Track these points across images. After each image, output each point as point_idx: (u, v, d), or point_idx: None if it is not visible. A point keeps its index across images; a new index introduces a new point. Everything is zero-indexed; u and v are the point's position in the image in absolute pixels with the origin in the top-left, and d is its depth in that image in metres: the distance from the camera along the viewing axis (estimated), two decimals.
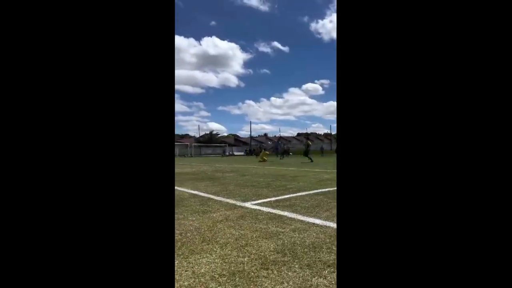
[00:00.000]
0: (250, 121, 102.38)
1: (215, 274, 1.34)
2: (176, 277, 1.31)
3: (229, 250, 1.65)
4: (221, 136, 50.57)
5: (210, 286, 1.23)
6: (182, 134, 60.92)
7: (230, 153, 35.65)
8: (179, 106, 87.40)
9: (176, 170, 8.66)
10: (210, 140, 44.78)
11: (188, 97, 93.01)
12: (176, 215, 2.55)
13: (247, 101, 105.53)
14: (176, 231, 2.04)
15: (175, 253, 1.60)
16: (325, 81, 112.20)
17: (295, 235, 1.91)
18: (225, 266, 1.43)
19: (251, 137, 42.82)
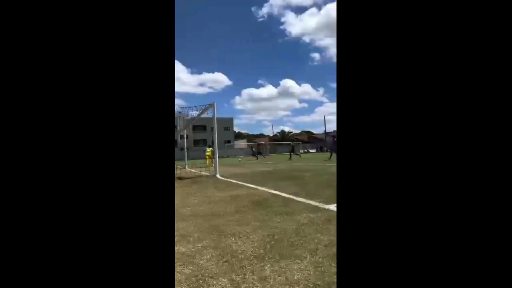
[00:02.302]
0: (324, 116, 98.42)
1: (309, 283, 1.30)
2: (271, 281, 1.33)
3: (319, 258, 1.58)
4: (293, 134, 50.45)
5: None
6: (256, 134, 63.89)
7: (305, 150, 34.97)
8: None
9: (259, 169, 9.06)
10: (282, 138, 45.33)
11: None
12: (261, 216, 2.65)
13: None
14: (264, 232, 2.10)
15: (266, 256, 1.64)
16: None
17: None
18: (318, 275, 1.38)
19: (326, 133, 41.12)
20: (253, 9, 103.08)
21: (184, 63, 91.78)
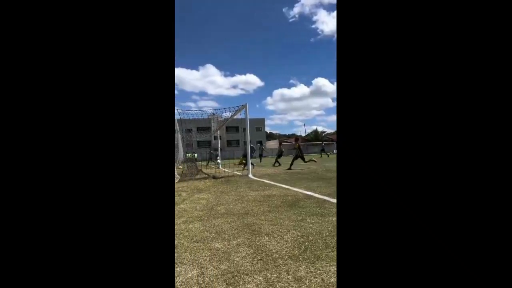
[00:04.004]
0: None
1: None
2: (306, 282, 1.31)
3: None
4: (327, 134, 48.93)
5: None
6: (288, 134, 63.34)
7: None
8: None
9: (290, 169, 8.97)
10: (315, 138, 44.32)
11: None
12: (295, 216, 2.62)
13: None
14: (298, 233, 2.08)
15: (301, 256, 1.62)
16: None
17: None
18: None
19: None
20: (284, 10, 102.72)
21: (217, 66, 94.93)
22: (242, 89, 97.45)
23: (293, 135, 60.72)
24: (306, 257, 1.62)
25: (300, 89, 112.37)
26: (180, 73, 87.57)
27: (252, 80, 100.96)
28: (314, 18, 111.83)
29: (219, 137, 14.38)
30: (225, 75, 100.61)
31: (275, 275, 1.40)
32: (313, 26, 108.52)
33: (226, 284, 1.34)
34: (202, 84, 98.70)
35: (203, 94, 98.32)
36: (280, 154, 11.53)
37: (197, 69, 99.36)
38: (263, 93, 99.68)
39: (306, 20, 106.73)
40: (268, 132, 52.42)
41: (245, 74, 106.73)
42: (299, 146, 9.40)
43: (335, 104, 0.76)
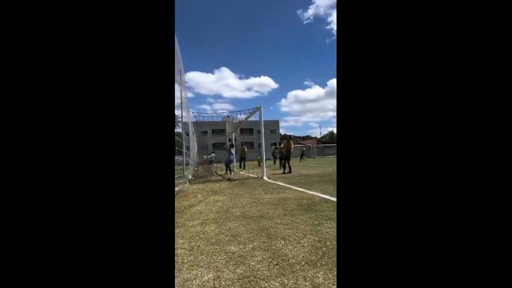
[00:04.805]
0: None
1: None
2: None
3: None
4: None
5: None
6: (303, 136, 62.75)
7: None
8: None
9: (303, 171, 8.86)
10: (331, 140, 43.63)
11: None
12: (311, 220, 2.56)
13: None
14: (315, 238, 2.03)
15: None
16: None
17: None
18: None
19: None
20: (298, 12, 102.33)
21: (232, 69, 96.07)
22: (256, 91, 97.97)
23: (308, 137, 60.05)
24: (324, 263, 1.57)
25: (315, 91, 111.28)
26: (195, 76, 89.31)
27: (266, 82, 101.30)
28: (329, 19, 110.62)
29: (233, 139, 14.47)
30: (240, 78, 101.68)
31: (292, 281, 1.37)
32: (328, 27, 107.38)
33: None
34: (217, 87, 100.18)
35: (218, 97, 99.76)
36: (280, 157, 11.39)
37: (212, 72, 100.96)
38: (278, 95, 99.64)
39: (321, 21, 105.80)
40: (283, 134, 52.15)
41: (259, 76, 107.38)
42: (289, 146, 8.79)
43: None
